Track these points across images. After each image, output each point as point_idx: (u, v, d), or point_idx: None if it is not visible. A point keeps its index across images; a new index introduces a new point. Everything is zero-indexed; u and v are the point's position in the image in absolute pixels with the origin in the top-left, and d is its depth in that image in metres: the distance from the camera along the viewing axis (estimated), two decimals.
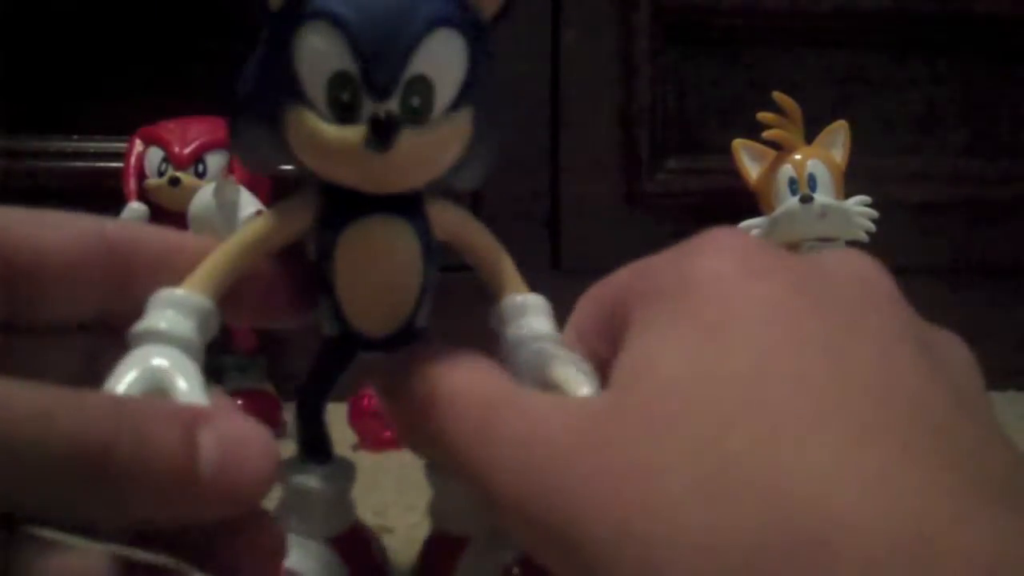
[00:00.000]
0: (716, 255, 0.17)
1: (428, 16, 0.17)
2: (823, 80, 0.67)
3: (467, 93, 0.19)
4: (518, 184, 0.64)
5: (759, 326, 0.16)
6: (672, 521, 0.14)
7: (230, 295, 0.19)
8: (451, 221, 0.21)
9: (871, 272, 0.18)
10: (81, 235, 0.19)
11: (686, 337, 0.16)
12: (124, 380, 0.17)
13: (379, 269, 0.20)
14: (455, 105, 0.18)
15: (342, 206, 0.20)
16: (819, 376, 0.15)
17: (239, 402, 0.52)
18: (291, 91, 0.18)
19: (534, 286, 0.22)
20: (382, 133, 0.17)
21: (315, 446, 0.22)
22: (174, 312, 0.18)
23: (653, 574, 0.13)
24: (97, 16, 0.61)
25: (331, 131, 0.18)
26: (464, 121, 0.19)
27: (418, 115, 0.18)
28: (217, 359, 0.54)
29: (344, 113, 0.18)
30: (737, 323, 0.16)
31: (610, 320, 0.19)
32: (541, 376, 0.20)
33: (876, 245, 0.55)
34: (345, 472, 0.23)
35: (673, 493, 0.14)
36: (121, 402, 0.16)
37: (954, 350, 0.17)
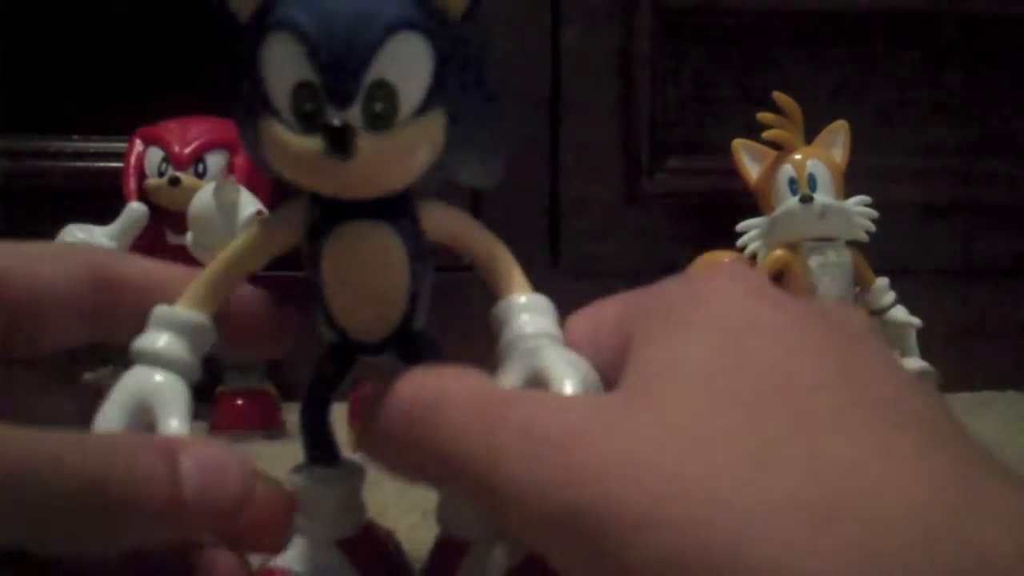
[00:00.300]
0: (721, 278, 0.18)
1: (387, 21, 0.17)
2: (823, 80, 0.67)
3: (435, 96, 0.18)
4: (518, 184, 0.64)
5: (769, 335, 0.17)
6: (715, 492, 0.14)
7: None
8: (445, 222, 0.21)
9: (850, 312, 0.19)
10: (72, 268, 0.20)
11: (700, 341, 0.17)
12: (115, 411, 0.18)
13: (363, 274, 0.20)
14: (422, 108, 0.18)
15: (328, 212, 0.20)
16: (830, 378, 0.16)
17: (239, 402, 0.52)
18: (262, 102, 0.18)
19: (534, 286, 0.22)
20: (338, 141, 0.17)
21: (321, 450, 0.22)
22: (169, 331, 0.19)
23: (695, 543, 0.13)
24: (97, 16, 0.61)
25: (295, 141, 0.18)
26: (433, 124, 0.19)
27: (382, 120, 0.18)
28: (217, 359, 0.54)
29: (307, 122, 0.18)
30: (748, 332, 0.17)
31: (607, 336, 0.19)
32: (532, 373, 0.19)
33: (876, 245, 0.55)
34: (353, 474, 0.22)
35: (715, 468, 0.14)
36: (111, 439, 0.18)
37: (924, 381, 0.19)
